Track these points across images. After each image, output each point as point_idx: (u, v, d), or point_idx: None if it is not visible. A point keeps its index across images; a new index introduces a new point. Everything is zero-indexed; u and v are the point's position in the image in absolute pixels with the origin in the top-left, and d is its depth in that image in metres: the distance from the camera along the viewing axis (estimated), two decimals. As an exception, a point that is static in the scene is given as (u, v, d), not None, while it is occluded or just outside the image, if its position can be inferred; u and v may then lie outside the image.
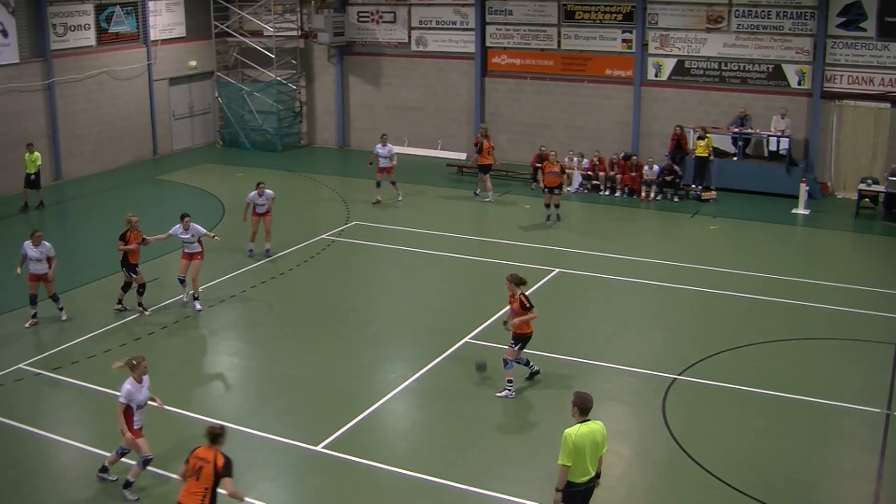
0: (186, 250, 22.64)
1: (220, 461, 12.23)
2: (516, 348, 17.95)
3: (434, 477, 15.21)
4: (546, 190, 29.27)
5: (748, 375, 18.81)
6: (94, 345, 20.60)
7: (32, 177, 31.26)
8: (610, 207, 31.68)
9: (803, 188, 30.55)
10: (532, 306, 17.77)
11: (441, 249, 26.80)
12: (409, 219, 29.65)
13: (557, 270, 24.82)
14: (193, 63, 40.73)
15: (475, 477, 15.24)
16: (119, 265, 22.44)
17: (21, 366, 19.46)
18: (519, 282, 17.90)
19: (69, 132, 35.62)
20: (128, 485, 14.79)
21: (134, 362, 14.73)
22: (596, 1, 35.33)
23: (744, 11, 33.05)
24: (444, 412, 17.53)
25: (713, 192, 32.15)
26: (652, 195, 32.16)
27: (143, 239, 22.16)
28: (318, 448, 16.16)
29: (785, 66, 32.84)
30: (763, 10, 32.71)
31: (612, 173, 33.05)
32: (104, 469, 15.23)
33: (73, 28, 35.72)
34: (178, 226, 22.54)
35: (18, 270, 21.65)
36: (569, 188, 33.29)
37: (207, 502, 12.20)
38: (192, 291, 22.78)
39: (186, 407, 17.55)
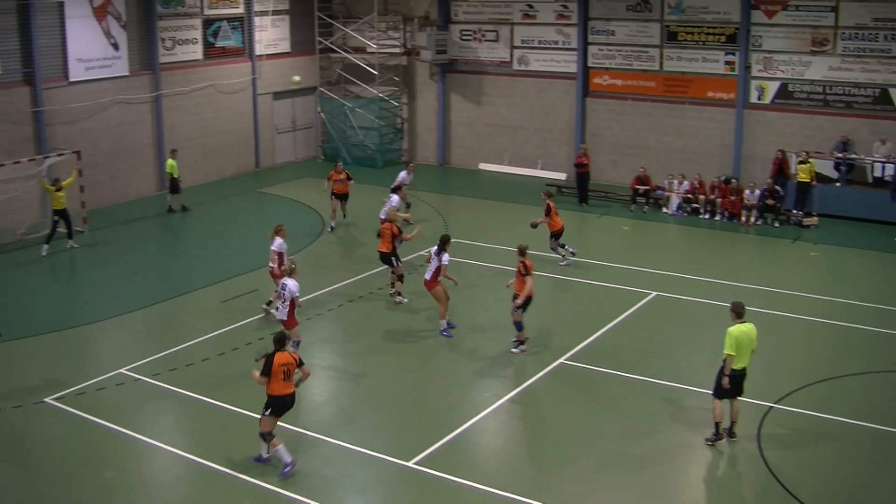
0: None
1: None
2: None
3: (524, 497, 15.16)
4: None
5: (847, 407, 18.42)
6: (191, 353, 21.02)
7: (171, 182, 33.46)
8: (709, 231, 31.30)
9: (908, 215, 29.87)
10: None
11: (537, 269, 26.66)
12: (506, 237, 29.61)
13: (655, 293, 24.61)
14: (297, 78, 41.27)
15: (565, 498, 15.19)
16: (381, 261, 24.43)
17: (122, 371, 19.94)
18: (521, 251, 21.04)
19: (175, 143, 36.30)
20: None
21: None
22: (699, 22, 35.07)
23: (850, 34, 32.46)
24: (537, 432, 17.50)
25: (815, 218, 31.57)
26: (752, 220, 31.72)
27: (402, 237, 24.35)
28: (410, 464, 16.25)
29: (892, 91, 32.13)
30: (870, 33, 32.09)
31: (712, 197, 32.66)
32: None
33: (181, 42, 36.59)
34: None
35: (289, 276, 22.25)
36: (667, 210, 33.12)
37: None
38: None
39: (283, 419, 17.77)
